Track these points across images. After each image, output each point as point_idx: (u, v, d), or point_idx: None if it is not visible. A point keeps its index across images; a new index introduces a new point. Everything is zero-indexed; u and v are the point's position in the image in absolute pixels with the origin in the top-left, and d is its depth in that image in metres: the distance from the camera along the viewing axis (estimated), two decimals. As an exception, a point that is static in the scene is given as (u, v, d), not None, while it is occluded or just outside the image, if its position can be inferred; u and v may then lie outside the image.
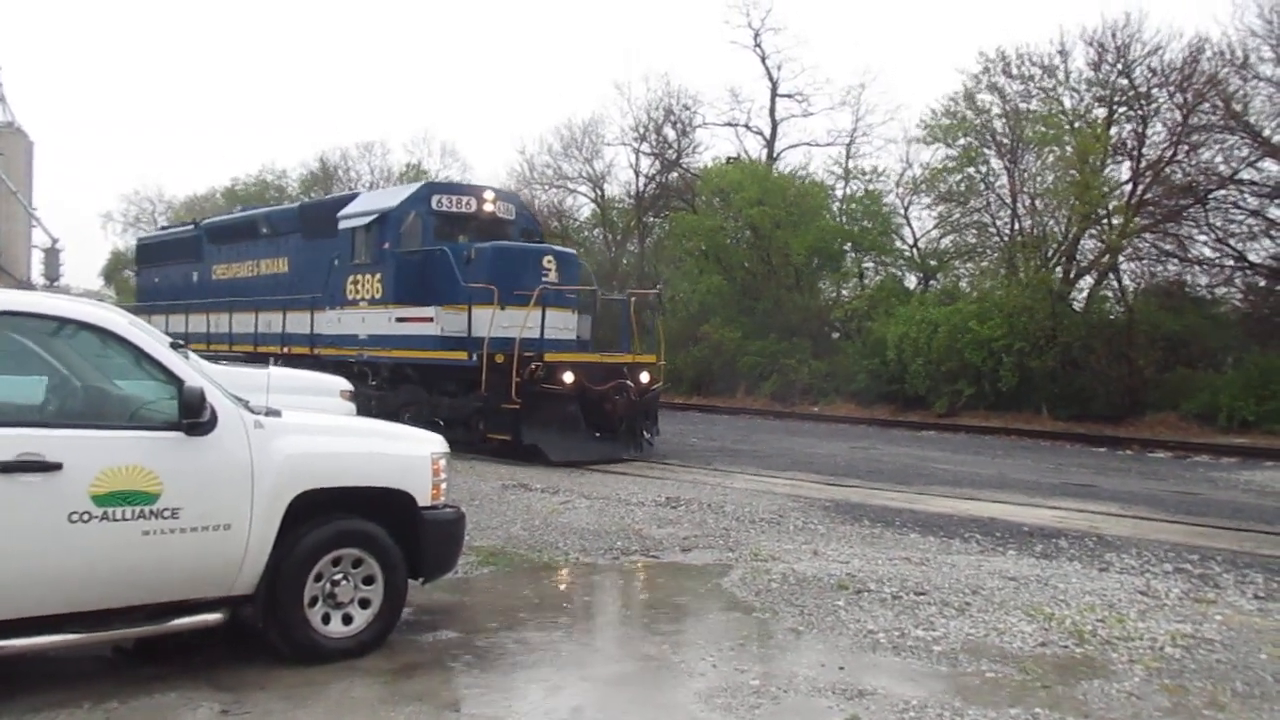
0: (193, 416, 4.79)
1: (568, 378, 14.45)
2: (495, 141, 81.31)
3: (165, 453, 4.76)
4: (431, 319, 15.74)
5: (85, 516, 4.53)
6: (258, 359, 18.15)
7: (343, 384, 11.38)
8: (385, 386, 16.91)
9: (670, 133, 40.16)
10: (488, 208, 17.08)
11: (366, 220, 17.03)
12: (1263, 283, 26.35)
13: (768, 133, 38.36)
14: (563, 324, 15.64)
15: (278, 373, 10.66)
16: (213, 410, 4.87)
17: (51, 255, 29.99)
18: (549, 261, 15.80)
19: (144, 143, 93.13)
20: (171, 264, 24.83)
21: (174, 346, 5.55)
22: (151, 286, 25.92)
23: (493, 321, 14.48)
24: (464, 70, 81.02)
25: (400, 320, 16.34)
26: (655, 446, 16.00)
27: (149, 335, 5.28)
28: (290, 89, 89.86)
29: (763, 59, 37.66)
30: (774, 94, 37.84)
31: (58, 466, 4.47)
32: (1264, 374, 22.50)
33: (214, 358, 13.08)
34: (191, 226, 24.78)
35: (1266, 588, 7.57)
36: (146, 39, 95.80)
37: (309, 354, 18.17)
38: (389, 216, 16.61)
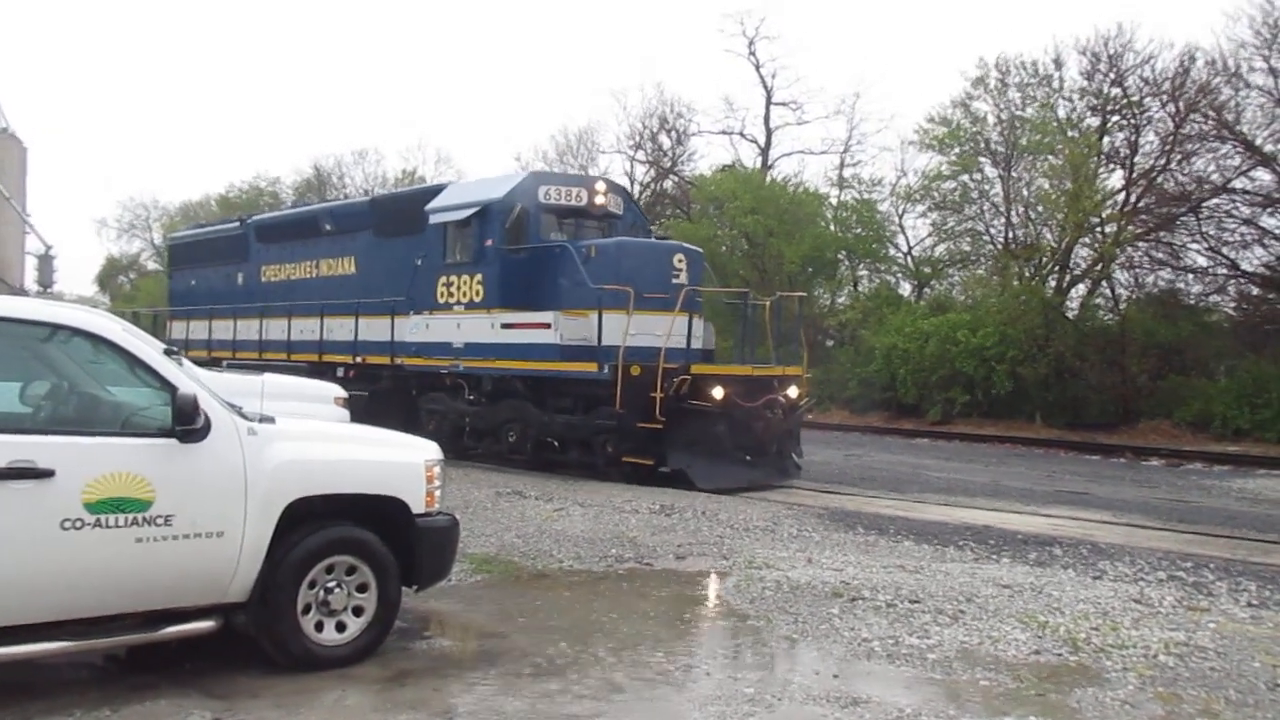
0: (186, 423, 4.77)
1: (717, 393, 12.93)
2: (490, 149, 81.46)
3: (158, 460, 4.74)
4: (549, 325, 13.93)
5: (78, 524, 4.51)
6: (322, 369, 17.10)
7: (337, 391, 11.37)
8: (484, 401, 15.32)
9: (665, 140, 40.29)
10: (599, 200, 15.37)
11: (465, 214, 15.14)
12: (1255, 291, 26.48)
13: (762, 141, 38.47)
14: (687, 330, 13.91)
15: (271, 379, 10.65)
16: (206, 417, 4.85)
17: (45, 261, 29.91)
18: (679, 260, 14.21)
19: (138, 149, 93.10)
20: (211, 265, 22.75)
21: (168, 353, 5.53)
22: (186, 290, 23.78)
23: (628, 328, 12.94)
24: (458, 78, 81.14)
25: (507, 327, 14.54)
26: (803, 470, 14.40)
27: (142, 342, 5.27)
28: (284, 96, 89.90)
29: (757, 67, 37.74)
30: (768, 102, 37.94)
31: (50, 473, 4.45)
32: (1257, 382, 22.60)
33: (208, 364, 12.97)
34: (236, 224, 22.83)
35: (1259, 595, 7.57)
36: (141, 46, 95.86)
37: (388, 363, 16.64)
38: (492, 209, 14.80)
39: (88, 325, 4.93)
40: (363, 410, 15.79)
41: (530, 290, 14.54)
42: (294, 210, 22.27)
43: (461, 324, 15.29)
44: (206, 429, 4.85)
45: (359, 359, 17.23)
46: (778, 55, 45.24)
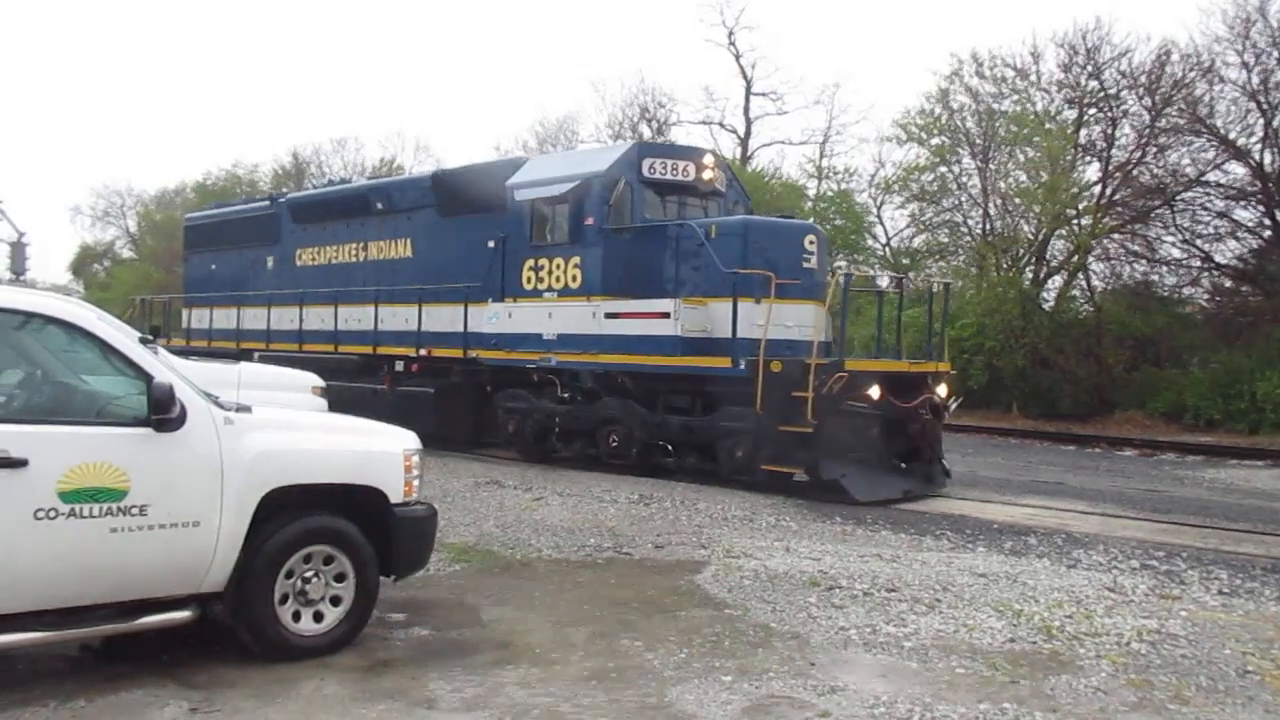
0: (161, 412, 4.74)
1: (874, 393, 11.54)
2: (469, 138, 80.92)
3: (133, 449, 4.71)
4: (668, 315, 12.45)
5: (52, 513, 4.48)
6: (377, 363, 16.45)
7: (314, 380, 11.32)
8: (579, 399, 13.86)
9: (646, 130, 40.21)
10: (707, 175, 13.92)
11: (561, 189, 13.65)
12: (1229, 283, 26.80)
13: (742, 131, 38.48)
14: (818, 321, 12.55)
15: (249, 368, 10.61)
16: (182, 406, 4.82)
17: (18, 249, 29.49)
18: (811, 242, 12.77)
19: (113, 136, 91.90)
20: (235, 248, 20.78)
21: (143, 341, 5.49)
22: (206, 275, 21.74)
23: (769, 319, 11.69)
24: (438, 66, 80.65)
25: (612, 316, 13.05)
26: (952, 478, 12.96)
27: (117, 330, 5.22)
28: (263, 83, 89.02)
29: (737, 57, 37.74)
30: (748, 92, 37.97)
31: (23, 463, 4.41)
32: (1229, 374, 22.87)
33: (185, 353, 12.80)
34: (266, 203, 20.84)
35: (1230, 584, 7.67)
36: (116, 31, 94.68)
37: (460, 356, 15.10)
38: (594, 184, 13.34)
39: (62, 313, 4.89)
40: (430, 408, 15.16)
41: (639, 275, 13.15)
42: (336, 188, 20.22)
43: (554, 313, 13.80)
44: (182, 418, 4.82)
45: (423, 351, 15.75)
46: (757, 45, 45.38)
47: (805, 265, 12.58)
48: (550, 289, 13.94)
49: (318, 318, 17.92)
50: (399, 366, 16.19)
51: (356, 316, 17.04)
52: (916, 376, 12.37)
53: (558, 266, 13.82)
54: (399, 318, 16.22)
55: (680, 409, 12.88)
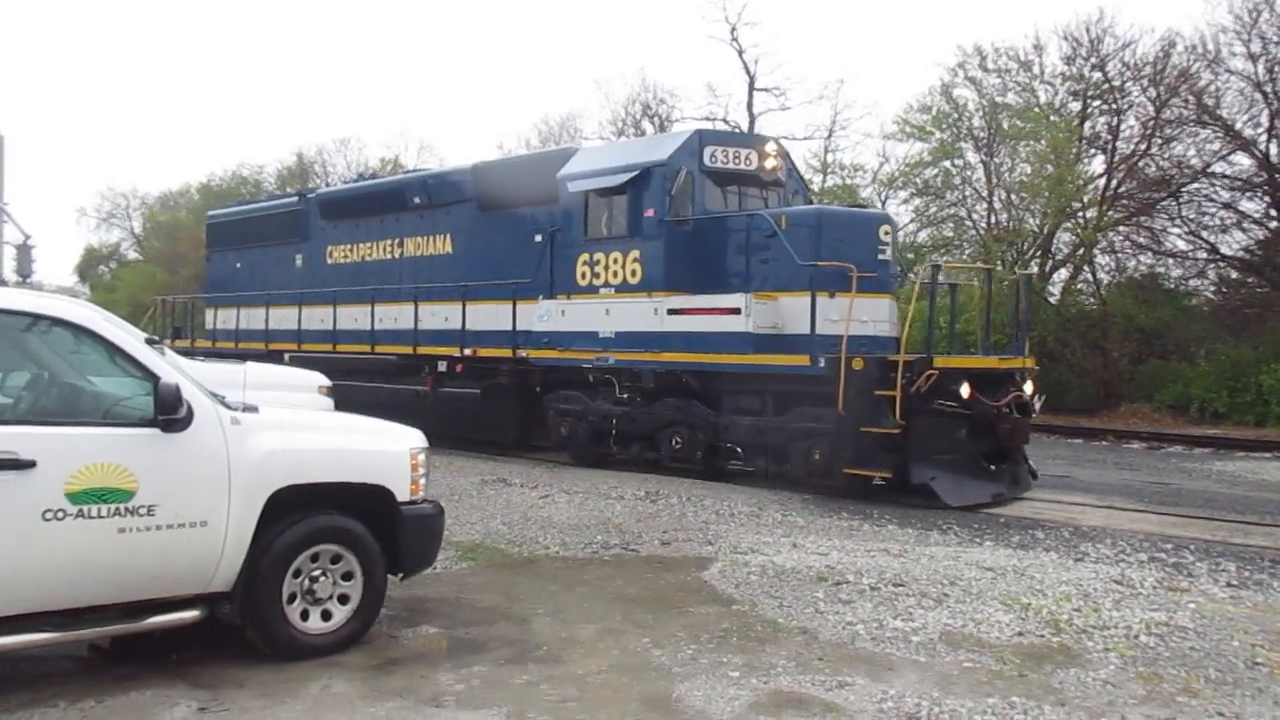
0: (168, 413, 4.75)
1: (964, 391, 11.03)
2: (472, 137, 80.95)
3: (141, 449, 4.72)
4: (739, 310, 11.94)
5: (60, 514, 4.49)
6: (417, 363, 15.95)
7: (320, 379, 11.31)
8: (639, 400, 13.27)
9: (649, 127, 40.18)
10: (770, 164, 13.36)
11: (618, 180, 13.05)
12: (1234, 275, 26.74)
13: (745, 127, 38.40)
14: (894, 316, 12.27)
15: (254, 368, 10.62)
16: (189, 406, 4.83)
17: (23, 251, 29.52)
18: (885, 232, 12.38)
19: (118, 138, 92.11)
20: (261, 246, 20.17)
21: (150, 342, 5.50)
22: (230, 274, 21.09)
23: (851, 313, 11.18)
24: (440, 66, 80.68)
25: (675, 312, 12.54)
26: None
27: (124, 331, 5.23)
28: (265, 85, 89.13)
29: (740, 53, 37.63)
30: (751, 88, 37.84)
31: (31, 464, 4.43)
32: (1235, 366, 22.83)
33: (190, 354, 12.79)
34: (295, 199, 20.25)
35: (1239, 576, 7.66)
36: (120, 33, 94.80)
37: (509, 356, 14.53)
38: (653, 174, 12.78)
39: (69, 315, 4.90)
40: (476, 409, 14.83)
41: (703, 269, 12.72)
42: (369, 183, 19.55)
43: (612, 310, 13.24)
44: (189, 418, 4.83)
45: (468, 351, 15.18)
46: (760, 41, 45.24)
47: (880, 257, 12.15)
48: (607, 285, 13.41)
49: (352, 317, 17.41)
50: (441, 367, 15.72)
51: (394, 315, 16.63)
52: (1003, 373, 11.89)
53: (615, 261, 13.30)
54: (440, 316, 15.80)
55: (748, 409, 12.30)
